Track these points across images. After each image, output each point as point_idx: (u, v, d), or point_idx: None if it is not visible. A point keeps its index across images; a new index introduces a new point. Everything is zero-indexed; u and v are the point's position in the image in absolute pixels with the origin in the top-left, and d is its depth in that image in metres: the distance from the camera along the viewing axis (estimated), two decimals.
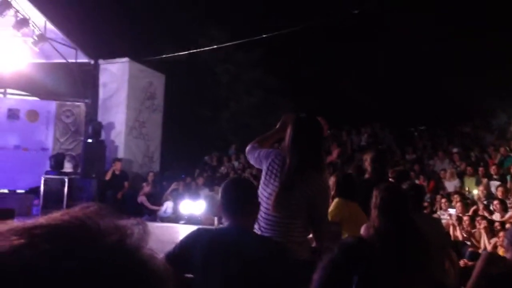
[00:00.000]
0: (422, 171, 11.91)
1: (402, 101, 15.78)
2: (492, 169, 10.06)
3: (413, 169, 11.82)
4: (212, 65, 14.87)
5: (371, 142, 14.63)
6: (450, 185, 10.67)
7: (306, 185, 2.87)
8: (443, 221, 8.86)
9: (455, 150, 12.36)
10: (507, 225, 7.08)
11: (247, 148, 3.22)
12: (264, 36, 12.02)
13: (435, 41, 15.62)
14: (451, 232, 8.12)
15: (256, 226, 2.92)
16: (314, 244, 3.24)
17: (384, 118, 15.51)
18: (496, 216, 8.16)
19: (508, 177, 9.59)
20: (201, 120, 14.30)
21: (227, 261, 2.26)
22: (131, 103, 11.64)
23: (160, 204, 10.42)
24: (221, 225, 2.57)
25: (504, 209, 8.20)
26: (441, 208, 9.38)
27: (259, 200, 2.95)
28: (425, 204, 9.63)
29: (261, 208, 2.89)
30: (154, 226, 9.40)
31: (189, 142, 13.33)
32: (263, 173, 3.02)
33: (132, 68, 11.81)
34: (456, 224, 8.13)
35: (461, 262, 6.67)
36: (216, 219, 9.11)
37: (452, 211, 8.99)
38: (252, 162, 3.22)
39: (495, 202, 8.42)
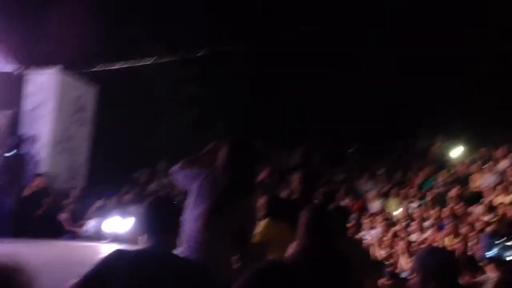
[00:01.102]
0: (350, 191, 12.28)
1: (333, 122, 16.22)
2: (413, 191, 10.55)
3: (341, 189, 12.18)
4: (148, 79, 14.63)
5: (302, 162, 14.93)
6: (375, 205, 11.06)
7: (236, 208, 2.89)
8: (366, 241, 9.19)
9: (380, 171, 12.86)
10: (422, 246, 7.42)
11: (173, 168, 3.19)
12: (202, 53, 12.02)
13: (367, 65, 16.24)
14: (371, 252, 8.39)
15: (184, 245, 2.94)
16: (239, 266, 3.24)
17: (316, 138, 15.88)
18: (414, 237, 8.54)
19: (427, 199, 10.06)
20: (134, 135, 13.97)
21: (147, 284, 2.21)
22: (59, 115, 11.20)
23: (84, 222, 10.03)
24: (142, 246, 2.52)
25: (421, 229, 8.60)
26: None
27: (187, 220, 2.93)
28: (351, 224, 9.97)
29: (190, 228, 2.90)
30: (75, 246, 9.04)
31: (120, 158, 12.95)
32: (193, 193, 3.00)
33: (62, 80, 11.40)
34: (376, 244, 8.43)
35: (380, 282, 6.90)
36: (140, 238, 8.87)
37: (374, 231, 9.32)
38: (177, 182, 3.23)
39: (413, 223, 8.82)
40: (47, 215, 9.85)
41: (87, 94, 12.13)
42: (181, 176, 3.10)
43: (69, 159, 11.55)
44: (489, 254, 1.53)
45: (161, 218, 2.43)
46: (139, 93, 14.17)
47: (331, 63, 16.03)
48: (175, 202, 2.68)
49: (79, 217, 10.22)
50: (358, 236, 9.40)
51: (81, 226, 9.97)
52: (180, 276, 2.25)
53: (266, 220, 4.03)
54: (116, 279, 2.20)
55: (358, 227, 9.88)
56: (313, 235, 3.10)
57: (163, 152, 13.71)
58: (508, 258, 1.45)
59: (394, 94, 15.41)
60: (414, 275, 2.65)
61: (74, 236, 9.81)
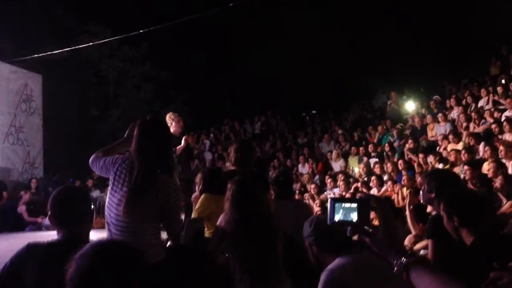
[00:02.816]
0: (312, 153, 12.44)
1: (294, 88, 16.31)
2: (371, 147, 10.74)
3: (303, 152, 12.33)
4: (96, 62, 14.21)
5: (264, 130, 15.00)
6: (337, 165, 11.23)
7: (156, 188, 2.83)
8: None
9: (340, 131, 13.03)
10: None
11: (91, 158, 3.11)
12: (148, 29, 11.68)
13: (326, 29, 16.28)
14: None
15: (107, 233, 2.88)
16: (169, 244, 3.23)
17: (277, 105, 15.95)
18: (374, 191, 8.73)
19: (385, 154, 10.29)
20: (89, 120, 13.64)
21: (62, 277, 2.16)
22: (4, 107, 10.78)
23: (45, 212, 9.80)
24: (53, 238, 2.45)
25: (381, 184, 8.80)
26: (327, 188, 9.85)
27: (108, 206, 2.88)
28: (314, 185, 10.13)
29: (112, 214, 2.84)
30: (38, 236, 8.86)
31: (77, 144, 12.65)
32: (111, 179, 2.93)
33: (3, 69, 10.92)
34: None
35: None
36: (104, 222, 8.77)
37: (336, 190, 9.50)
38: (97, 171, 3.11)
39: (373, 178, 9.01)
40: (6, 208, 9.59)
41: (32, 82, 11.68)
42: (98, 165, 3.02)
43: (23, 150, 11.19)
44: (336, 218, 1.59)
45: (71, 208, 2.36)
46: (88, 77, 13.81)
47: (287, 31, 16.03)
48: (85, 191, 2.61)
49: (40, 207, 9.99)
50: (322, 195, 9.60)
51: (42, 217, 9.75)
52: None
53: (204, 195, 4.05)
54: (30, 274, 2.15)
55: (323, 187, 10.06)
56: (239, 207, 3.15)
57: (121, 133, 13.48)
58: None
59: (345, 57, 15.61)
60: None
61: (36, 227, 9.60)
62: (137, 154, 2.89)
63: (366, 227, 1.44)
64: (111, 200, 2.88)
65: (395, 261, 1.34)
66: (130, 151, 3.02)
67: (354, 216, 1.44)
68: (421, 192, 3.24)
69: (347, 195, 8.65)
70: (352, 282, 1.96)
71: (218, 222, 3.31)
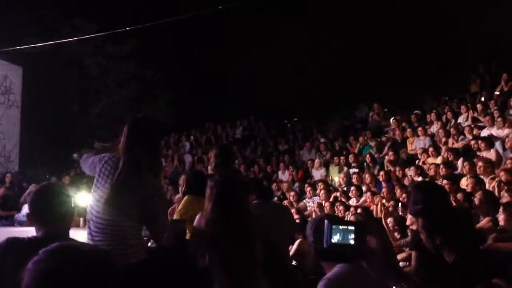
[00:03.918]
0: (293, 161, 12.48)
1: (277, 94, 16.37)
2: (352, 157, 10.82)
3: (284, 159, 12.36)
4: (79, 58, 14.01)
5: (246, 135, 14.99)
6: (318, 174, 11.27)
7: (139, 186, 2.81)
8: (309, 208, 9.39)
9: (322, 140, 13.10)
10: (359, 210, 7.65)
11: (82, 158, 3.15)
12: (134, 27, 11.58)
13: (306, 38, 16.42)
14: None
15: (87, 230, 2.85)
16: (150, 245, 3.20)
17: (259, 111, 15.97)
18: (353, 202, 8.79)
19: (365, 164, 10.38)
20: (68, 115, 13.42)
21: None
22: None
23: (18, 207, 9.60)
24: (33, 235, 2.43)
25: (360, 194, 8.87)
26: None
27: (91, 202, 2.85)
28: (293, 193, 10.15)
29: (93, 211, 2.81)
30: (11, 231, 8.66)
31: (55, 139, 12.44)
32: (96, 176, 2.92)
33: None
34: (317, 210, 8.61)
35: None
36: (81, 220, 8.61)
37: (316, 198, 9.53)
38: (86, 170, 3.12)
39: (352, 188, 9.07)
40: None
41: (12, 75, 11.43)
42: (88, 163, 3.03)
43: None
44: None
45: (52, 206, 2.35)
46: (70, 72, 13.60)
47: (272, 38, 16.12)
48: (63, 188, 2.60)
49: (14, 202, 9.78)
50: (301, 203, 9.62)
51: (16, 211, 9.55)
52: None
53: (186, 197, 4.06)
54: (7, 268, 2.11)
55: (302, 195, 10.09)
56: (219, 207, 3.14)
57: (102, 130, 13.30)
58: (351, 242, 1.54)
59: (330, 67, 15.78)
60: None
61: (8, 222, 9.38)
62: (124, 151, 2.88)
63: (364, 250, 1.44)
64: (93, 197, 2.86)
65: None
66: (118, 148, 3.01)
67: (351, 239, 1.44)
68: (404, 203, 3.27)
69: (327, 204, 8.69)
70: None
71: (195, 223, 3.29)
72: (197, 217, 3.26)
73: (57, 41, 11.95)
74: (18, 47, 11.23)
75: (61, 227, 2.39)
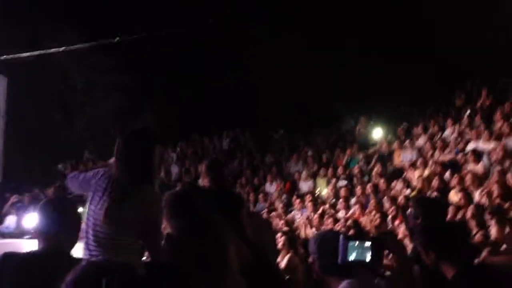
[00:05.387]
0: (280, 173, 12.45)
1: (263, 106, 16.40)
2: (340, 170, 10.85)
3: (271, 171, 12.32)
4: (64, 68, 13.88)
5: (232, 146, 14.94)
6: (305, 186, 11.27)
7: (138, 199, 2.78)
8: (297, 220, 9.36)
9: (309, 153, 13.11)
10: (349, 222, 7.65)
11: (69, 176, 3.12)
12: (119, 39, 11.50)
13: (293, 51, 16.52)
14: (302, 230, 8.57)
15: (84, 246, 2.79)
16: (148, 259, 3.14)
17: (246, 123, 15.96)
18: (342, 214, 8.81)
19: (354, 177, 10.40)
20: (53, 126, 13.24)
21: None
22: None
23: (1, 218, 9.39)
24: (32, 249, 2.39)
25: (347, 207, 8.89)
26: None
27: (88, 217, 2.80)
28: (282, 205, 10.13)
29: (89, 224, 2.76)
30: None
31: (38, 150, 12.25)
32: (91, 191, 2.86)
33: None
34: (306, 223, 8.59)
35: (310, 258, 7.03)
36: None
37: (304, 210, 9.52)
38: (75, 188, 3.07)
39: (340, 200, 9.09)
40: None
41: None
42: (78, 181, 2.98)
43: None
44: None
45: (56, 219, 2.33)
46: (55, 83, 13.45)
47: (260, 50, 16.19)
48: (71, 203, 2.59)
49: None
50: (289, 215, 9.59)
51: None
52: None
53: None
54: (4, 284, 2.09)
55: (290, 207, 10.07)
56: (178, 217, 3.10)
57: (87, 141, 13.16)
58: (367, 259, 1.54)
59: (316, 79, 15.91)
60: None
61: None
62: (121, 163, 2.84)
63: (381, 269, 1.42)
64: (90, 211, 2.80)
65: None
66: (111, 162, 2.98)
67: (367, 255, 1.42)
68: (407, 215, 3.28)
69: (315, 216, 8.68)
70: None
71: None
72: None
73: (42, 51, 11.81)
74: (3, 57, 11.08)
75: (62, 241, 2.34)
